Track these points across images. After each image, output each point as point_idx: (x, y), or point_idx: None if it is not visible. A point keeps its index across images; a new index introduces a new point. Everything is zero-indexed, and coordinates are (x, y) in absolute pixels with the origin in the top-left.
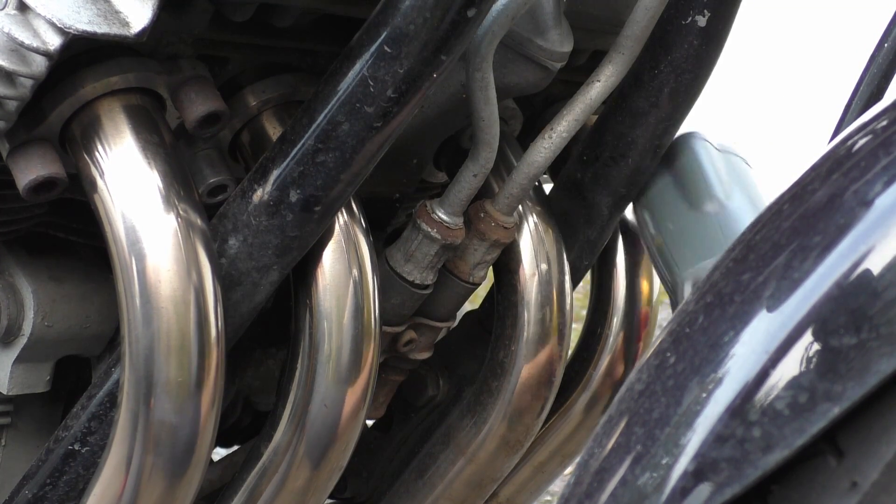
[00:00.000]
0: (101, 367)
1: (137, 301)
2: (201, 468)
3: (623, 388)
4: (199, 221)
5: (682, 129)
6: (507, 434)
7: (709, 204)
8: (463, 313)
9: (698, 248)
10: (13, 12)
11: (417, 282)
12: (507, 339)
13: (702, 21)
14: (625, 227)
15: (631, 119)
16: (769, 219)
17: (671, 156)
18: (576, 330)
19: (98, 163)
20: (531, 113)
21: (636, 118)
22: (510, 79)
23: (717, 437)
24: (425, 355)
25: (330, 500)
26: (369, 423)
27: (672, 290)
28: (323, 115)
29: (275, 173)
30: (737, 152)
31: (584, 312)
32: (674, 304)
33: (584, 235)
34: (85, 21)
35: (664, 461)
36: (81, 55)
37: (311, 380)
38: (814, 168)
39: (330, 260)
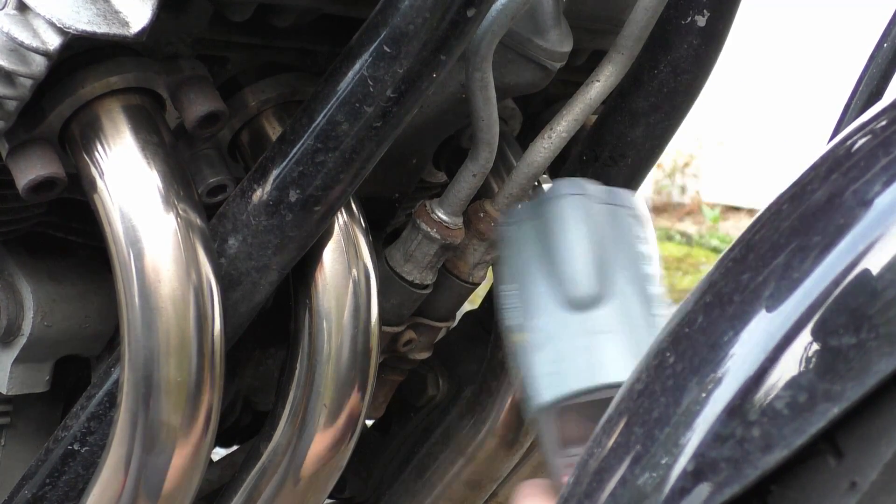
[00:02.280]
0: (100, 367)
1: (137, 301)
2: (201, 468)
3: (622, 388)
4: (198, 221)
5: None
6: (507, 434)
7: (587, 303)
8: (462, 313)
9: (563, 370)
10: (13, 12)
11: (417, 282)
12: (506, 339)
13: (701, 21)
14: None
15: (630, 119)
16: (768, 219)
17: (544, 231)
18: None
19: (97, 163)
20: (531, 113)
21: (636, 118)
22: (510, 79)
23: (717, 437)
24: (425, 355)
25: (329, 500)
26: (369, 422)
27: (529, 407)
28: (322, 114)
29: (274, 173)
30: (626, 202)
31: None
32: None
33: None
34: (84, 21)
35: (663, 461)
36: (81, 55)
37: (311, 380)
38: (813, 168)
39: (329, 260)
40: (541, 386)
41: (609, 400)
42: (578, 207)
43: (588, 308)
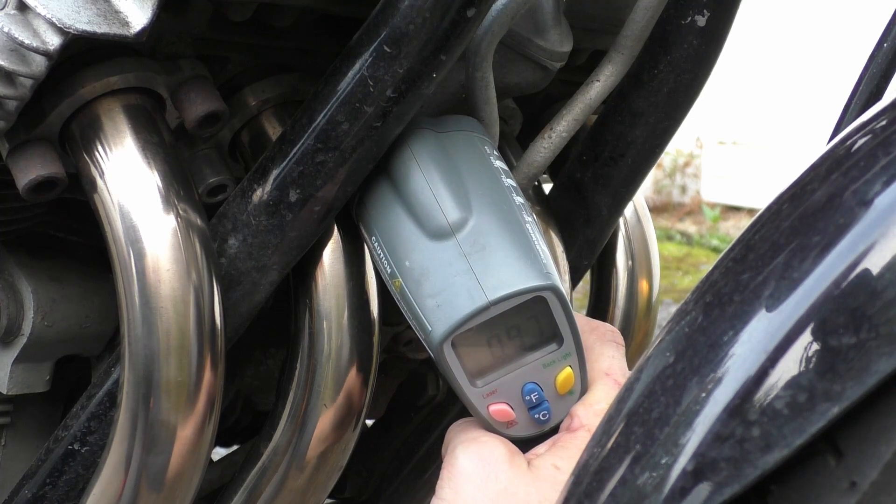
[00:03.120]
0: (100, 367)
1: (137, 301)
2: (201, 468)
3: (622, 388)
4: (198, 221)
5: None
6: None
7: (452, 229)
8: None
9: (447, 299)
10: (13, 12)
11: None
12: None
13: (701, 21)
14: (625, 228)
15: (630, 119)
16: (768, 219)
17: (392, 170)
18: None
19: (98, 163)
20: (531, 113)
21: (636, 118)
22: (510, 79)
23: (717, 437)
24: (425, 355)
25: (330, 500)
26: (369, 422)
27: (428, 347)
28: (322, 114)
29: (274, 173)
30: (469, 127)
31: (584, 312)
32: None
33: (583, 235)
34: (84, 21)
35: (663, 461)
36: (81, 55)
37: (311, 379)
38: (813, 168)
39: (329, 260)
40: (430, 322)
41: (503, 315)
42: (418, 142)
43: (455, 233)
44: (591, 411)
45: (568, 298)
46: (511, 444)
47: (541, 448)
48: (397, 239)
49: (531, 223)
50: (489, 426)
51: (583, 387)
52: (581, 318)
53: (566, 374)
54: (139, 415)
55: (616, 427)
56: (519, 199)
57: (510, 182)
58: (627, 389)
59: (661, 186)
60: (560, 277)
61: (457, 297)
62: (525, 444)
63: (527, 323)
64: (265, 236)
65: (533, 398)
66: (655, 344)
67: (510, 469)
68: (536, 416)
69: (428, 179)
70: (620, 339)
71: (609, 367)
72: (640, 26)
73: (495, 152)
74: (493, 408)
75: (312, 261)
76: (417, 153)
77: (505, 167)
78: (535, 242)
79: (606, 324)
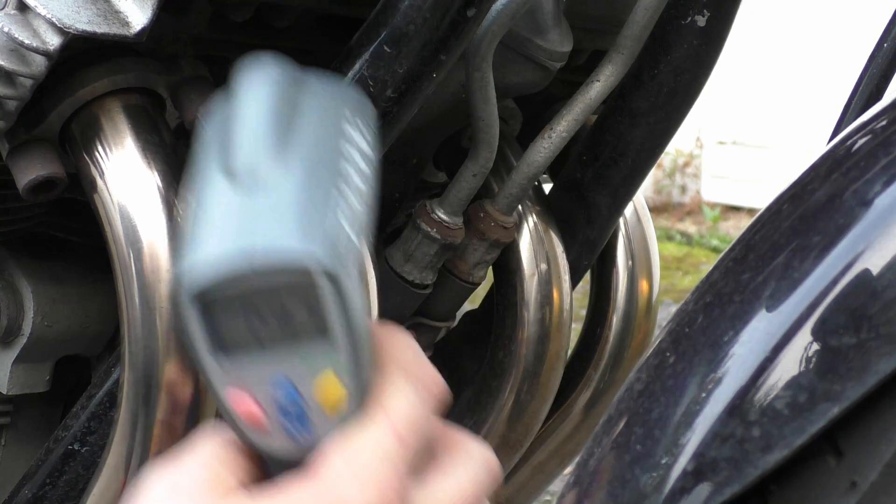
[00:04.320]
0: (100, 367)
1: (137, 301)
2: None
3: (622, 388)
4: None
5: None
6: (507, 434)
7: (239, 168)
8: (462, 313)
9: (207, 248)
10: (13, 12)
11: (417, 281)
12: (506, 339)
13: (701, 21)
14: (625, 228)
15: (630, 119)
16: (768, 219)
17: (233, 90)
18: (575, 330)
19: (98, 163)
20: (531, 113)
21: (636, 118)
22: (510, 78)
23: (717, 437)
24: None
25: None
26: None
27: (173, 298)
28: None
29: None
30: (336, 87)
31: (584, 312)
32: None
33: (583, 235)
34: (85, 21)
35: (663, 461)
36: (81, 55)
37: None
38: (813, 168)
39: None
40: (180, 268)
41: (267, 285)
42: (268, 79)
43: (245, 176)
44: (348, 459)
45: (358, 292)
46: (225, 476)
47: (272, 489)
48: (199, 161)
49: (351, 196)
50: (235, 425)
51: (358, 413)
52: (388, 336)
53: (329, 381)
54: (139, 415)
55: (616, 427)
56: (348, 168)
57: (351, 150)
58: (627, 389)
59: (661, 186)
60: (359, 261)
61: (216, 248)
62: (280, 470)
63: (294, 303)
64: None
65: (283, 398)
66: (655, 344)
67: None
68: (289, 425)
69: (251, 117)
70: (432, 382)
71: (390, 404)
72: (640, 26)
73: (361, 121)
74: (233, 394)
75: None
76: (254, 89)
77: (363, 138)
78: (334, 215)
79: (417, 360)
